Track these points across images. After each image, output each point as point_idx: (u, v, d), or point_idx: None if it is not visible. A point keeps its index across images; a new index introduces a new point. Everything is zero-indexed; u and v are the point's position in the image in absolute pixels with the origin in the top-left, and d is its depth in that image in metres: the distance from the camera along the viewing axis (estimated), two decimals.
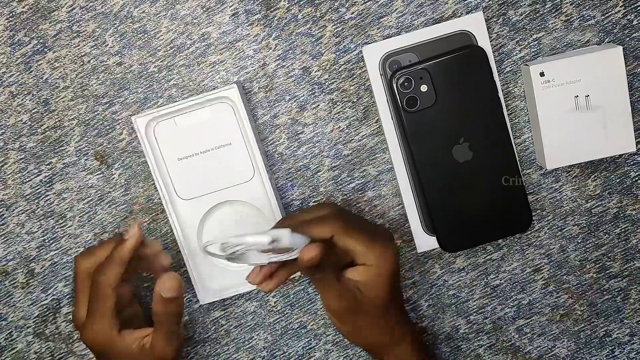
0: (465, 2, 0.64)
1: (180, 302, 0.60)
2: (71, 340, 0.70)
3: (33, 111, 0.67)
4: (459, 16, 0.64)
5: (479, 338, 0.69)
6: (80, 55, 0.66)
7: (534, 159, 0.67)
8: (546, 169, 0.66)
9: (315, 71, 0.66)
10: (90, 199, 0.68)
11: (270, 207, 0.65)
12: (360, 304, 0.58)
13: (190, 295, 0.69)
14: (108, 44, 0.66)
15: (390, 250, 0.58)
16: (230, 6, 0.65)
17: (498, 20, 0.65)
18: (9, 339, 0.70)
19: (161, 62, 0.66)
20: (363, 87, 0.66)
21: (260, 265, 0.57)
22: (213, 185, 0.65)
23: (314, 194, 0.68)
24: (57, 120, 0.67)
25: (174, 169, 0.65)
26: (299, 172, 0.67)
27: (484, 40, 0.63)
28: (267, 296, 0.69)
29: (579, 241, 0.68)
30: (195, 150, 0.65)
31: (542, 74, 0.62)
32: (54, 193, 0.68)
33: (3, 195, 0.68)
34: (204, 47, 0.66)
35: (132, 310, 0.65)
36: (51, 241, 0.69)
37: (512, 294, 0.69)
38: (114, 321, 0.60)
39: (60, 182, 0.68)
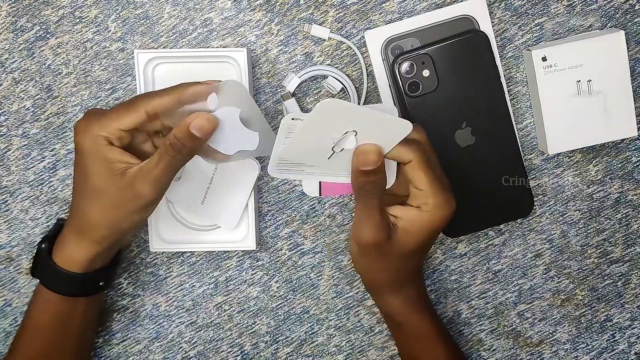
0: None
1: (199, 144, 0.55)
2: None
3: (36, 97, 0.67)
4: (461, 1, 0.64)
5: (480, 323, 0.70)
6: (82, 41, 0.66)
7: (535, 144, 0.67)
8: (548, 154, 0.66)
9: (318, 57, 0.66)
10: None
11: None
12: (391, 244, 0.56)
13: (193, 281, 0.69)
14: (110, 30, 0.66)
15: (449, 207, 0.55)
16: None
17: (500, 5, 0.65)
18: (14, 325, 0.70)
19: (164, 48, 0.66)
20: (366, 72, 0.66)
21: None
22: None
23: None
24: (60, 106, 0.67)
25: None
26: None
27: (486, 25, 0.63)
28: (270, 281, 0.69)
29: (580, 226, 0.68)
30: None
31: (544, 59, 0.62)
32: (58, 179, 0.68)
33: (7, 181, 0.68)
34: (207, 33, 0.66)
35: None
36: None
37: (514, 279, 0.69)
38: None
39: (63, 168, 0.68)
